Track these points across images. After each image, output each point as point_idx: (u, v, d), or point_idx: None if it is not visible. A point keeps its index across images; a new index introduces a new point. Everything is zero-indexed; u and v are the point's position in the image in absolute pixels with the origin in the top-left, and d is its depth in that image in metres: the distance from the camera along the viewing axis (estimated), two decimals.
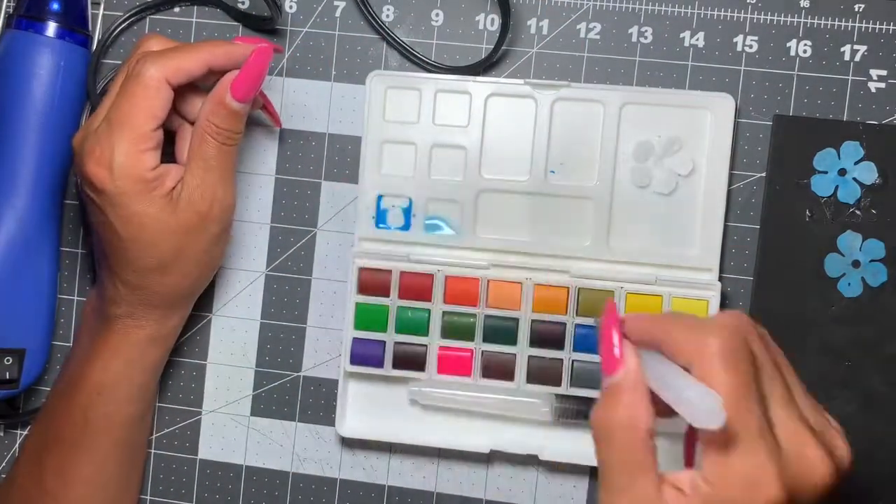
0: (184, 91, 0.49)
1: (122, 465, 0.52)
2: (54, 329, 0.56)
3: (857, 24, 0.51)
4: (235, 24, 0.55)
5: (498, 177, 0.53)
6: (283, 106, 0.55)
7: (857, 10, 0.51)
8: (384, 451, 0.55)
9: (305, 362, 0.55)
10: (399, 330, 0.52)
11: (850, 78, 0.51)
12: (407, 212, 0.53)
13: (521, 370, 0.52)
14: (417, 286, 0.52)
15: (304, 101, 0.55)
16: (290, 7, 0.55)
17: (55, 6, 0.52)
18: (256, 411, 0.56)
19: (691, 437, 0.39)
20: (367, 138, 0.53)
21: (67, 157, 0.53)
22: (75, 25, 0.53)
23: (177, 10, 0.56)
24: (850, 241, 0.51)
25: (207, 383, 0.56)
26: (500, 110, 0.52)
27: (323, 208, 0.55)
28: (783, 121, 0.51)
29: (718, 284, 0.51)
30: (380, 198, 0.53)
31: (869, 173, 0.50)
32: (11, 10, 0.53)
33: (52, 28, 0.52)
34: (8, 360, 0.53)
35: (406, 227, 0.53)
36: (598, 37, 0.53)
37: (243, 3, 0.56)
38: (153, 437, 0.56)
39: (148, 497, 0.57)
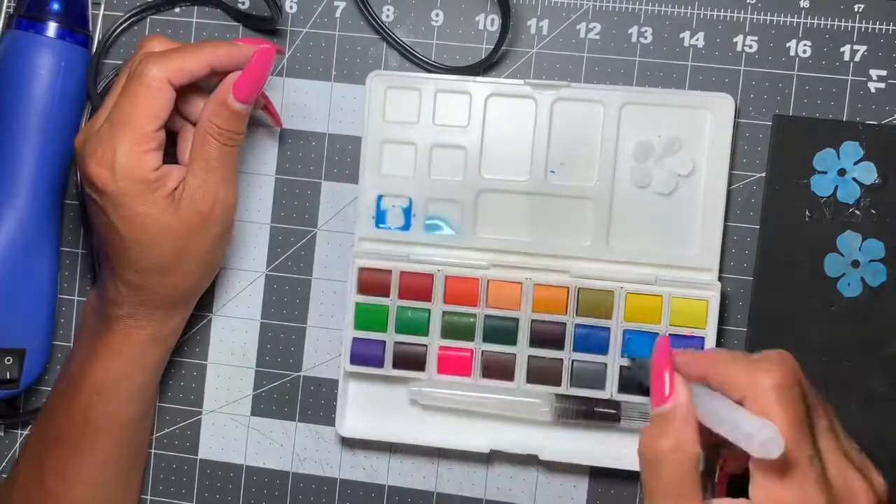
0: (186, 92, 0.49)
1: (122, 465, 0.52)
2: (54, 329, 0.56)
3: (856, 24, 0.51)
4: (236, 24, 0.56)
5: (498, 177, 0.53)
6: (283, 106, 0.55)
7: (856, 10, 0.51)
8: (384, 451, 0.55)
9: (305, 362, 0.55)
10: (399, 330, 0.53)
11: (849, 78, 0.51)
12: (407, 212, 0.53)
13: (521, 370, 0.52)
14: (417, 286, 0.52)
15: (304, 101, 0.55)
16: (291, 7, 0.55)
17: (55, 6, 0.52)
18: (256, 411, 0.56)
19: (724, 469, 0.42)
20: (367, 138, 0.53)
21: (68, 157, 0.53)
22: (76, 25, 0.53)
23: (177, 10, 0.56)
24: (849, 241, 0.51)
25: (207, 383, 0.56)
26: (500, 110, 0.53)
27: (323, 208, 0.55)
28: (783, 121, 0.51)
29: (718, 284, 0.51)
30: (380, 198, 0.53)
31: (868, 173, 0.51)
32: (12, 11, 0.53)
33: (52, 28, 0.52)
34: (8, 360, 0.53)
35: (406, 227, 0.53)
36: (597, 37, 0.53)
37: (244, 3, 0.56)
38: (153, 437, 0.57)
39: (148, 497, 0.57)
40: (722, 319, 0.52)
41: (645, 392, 0.50)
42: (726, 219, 0.52)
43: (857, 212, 0.51)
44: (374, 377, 0.54)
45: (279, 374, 0.56)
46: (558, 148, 0.52)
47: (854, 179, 0.51)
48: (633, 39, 0.53)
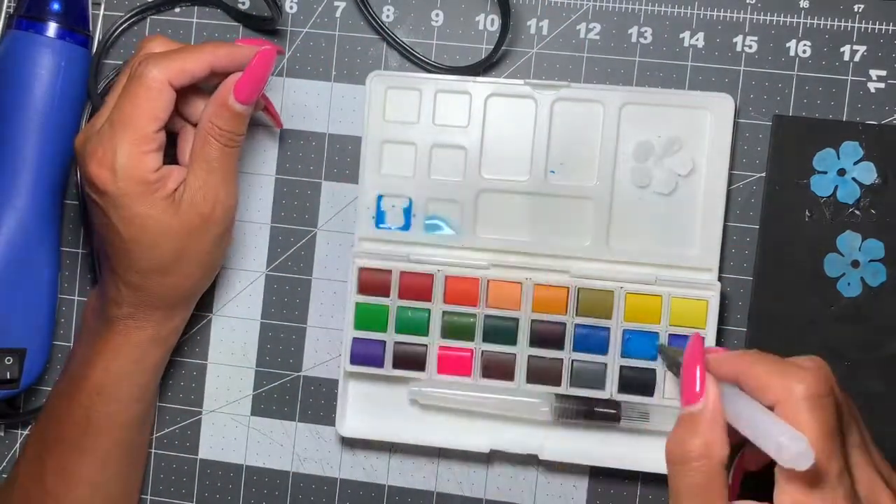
0: (186, 93, 0.48)
1: (123, 465, 0.52)
2: (55, 329, 0.56)
3: (856, 25, 0.51)
4: (236, 24, 0.56)
5: (498, 177, 0.53)
6: (283, 106, 0.55)
7: (856, 10, 0.51)
8: (384, 451, 0.55)
9: (305, 362, 0.55)
10: (399, 330, 0.53)
11: (849, 78, 0.51)
12: (407, 212, 0.53)
13: (521, 370, 0.52)
14: (417, 286, 0.52)
15: (304, 102, 0.55)
16: (291, 7, 0.55)
17: (56, 6, 0.52)
18: (257, 411, 0.56)
19: (739, 470, 0.41)
20: (367, 138, 0.53)
21: (68, 157, 0.53)
22: (76, 26, 0.53)
23: (177, 10, 0.56)
24: (849, 241, 0.51)
25: (208, 383, 0.56)
26: (500, 110, 0.53)
27: (323, 208, 0.55)
28: (783, 121, 0.51)
29: (718, 284, 0.51)
30: (380, 198, 0.53)
31: (868, 173, 0.51)
32: (12, 11, 0.53)
33: (52, 28, 0.52)
34: (8, 360, 0.53)
35: (406, 227, 0.53)
36: (597, 37, 0.53)
37: (244, 3, 0.56)
38: (153, 437, 0.57)
39: (148, 497, 0.57)
40: (722, 319, 0.52)
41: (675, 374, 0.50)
42: (726, 219, 0.52)
43: (857, 212, 0.51)
44: (374, 377, 0.54)
45: (279, 374, 0.56)
46: (558, 148, 0.52)
47: (854, 179, 0.51)
48: (633, 39, 0.53)
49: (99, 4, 0.56)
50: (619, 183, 0.52)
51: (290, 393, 0.56)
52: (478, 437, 0.53)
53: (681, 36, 0.53)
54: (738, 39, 0.52)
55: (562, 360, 0.52)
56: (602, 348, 0.51)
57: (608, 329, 0.51)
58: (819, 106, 0.52)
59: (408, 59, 0.54)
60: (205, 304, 0.55)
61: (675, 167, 0.51)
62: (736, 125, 0.52)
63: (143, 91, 0.46)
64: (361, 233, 0.53)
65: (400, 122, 0.53)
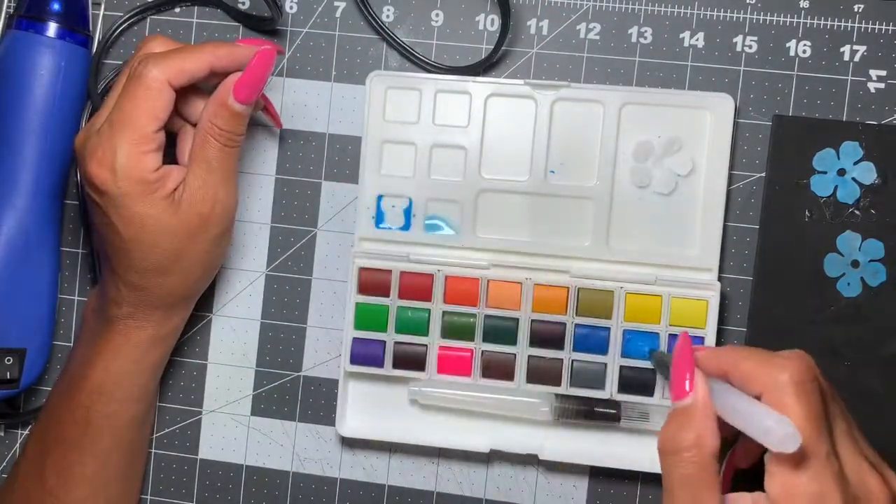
0: (186, 93, 0.49)
1: (123, 465, 0.52)
2: (55, 329, 0.56)
3: (856, 25, 0.51)
4: (236, 24, 0.56)
5: (498, 177, 0.53)
6: (283, 106, 0.55)
7: (856, 10, 0.51)
8: (384, 451, 0.55)
9: (305, 362, 0.55)
10: (399, 330, 0.53)
11: (849, 78, 0.51)
12: (407, 212, 0.53)
13: (520, 370, 0.52)
14: (417, 286, 0.52)
15: (304, 102, 0.55)
16: (291, 7, 0.55)
17: (56, 6, 0.52)
18: (257, 411, 0.56)
19: (730, 468, 0.43)
20: (367, 138, 0.53)
21: (68, 157, 0.53)
22: (76, 26, 0.53)
23: (177, 10, 0.56)
24: (849, 241, 0.51)
25: (208, 383, 0.56)
26: (500, 110, 0.53)
27: (323, 208, 0.55)
28: (783, 121, 0.51)
29: (718, 284, 0.51)
30: (380, 198, 0.53)
31: (868, 173, 0.51)
32: (12, 11, 0.53)
33: (52, 28, 0.52)
34: (8, 360, 0.53)
35: (406, 227, 0.53)
36: (597, 37, 0.53)
37: (244, 3, 0.56)
38: (153, 437, 0.57)
39: (148, 497, 0.57)
40: (722, 319, 0.52)
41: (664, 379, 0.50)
42: (726, 219, 0.52)
43: (857, 212, 0.51)
44: (374, 377, 0.54)
45: (279, 374, 0.56)
46: (558, 148, 0.52)
47: (854, 179, 0.51)
48: (633, 39, 0.53)
49: (99, 4, 0.56)
50: (618, 183, 0.52)
51: (290, 393, 0.56)
52: (478, 437, 0.53)
53: (681, 36, 0.53)
54: (738, 39, 0.52)
55: (562, 360, 0.52)
56: (602, 348, 0.51)
57: (608, 329, 0.51)
58: (819, 106, 0.52)
59: (408, 59, 0.54)
60: (205, 304, 0.55)
61: (675, 167, 0.51)
62: (736, 125, 0.52)
63: (143, 91, 0.46)
64: (361, 233, 0.53)
65: (400, 122, 0.53)
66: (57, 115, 0.52)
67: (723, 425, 0.38)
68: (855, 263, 0.51)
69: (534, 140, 0.52)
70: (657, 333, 0.51)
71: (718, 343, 0.51)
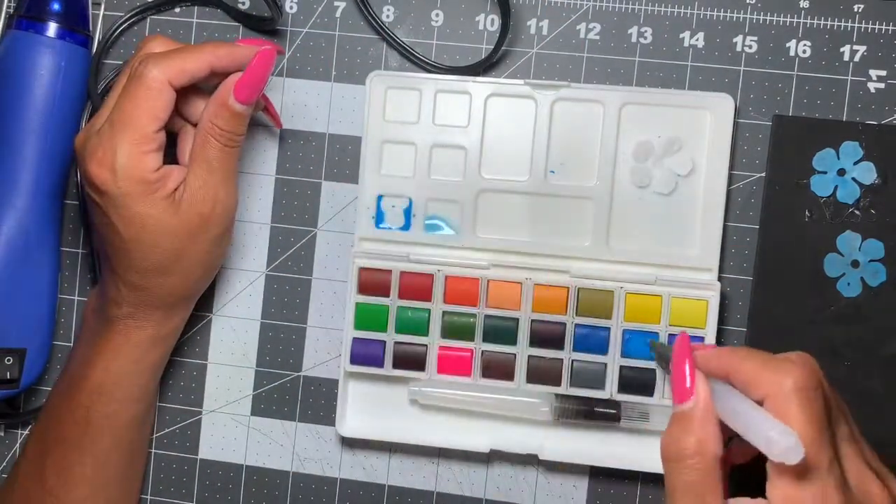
0: (186, 93, 0.49)
1: (123, 465, 0.52)
2: (55, 329, 0.56)
3: (856, 25, 0.51)
4: (236, 24, 0.56)
5: (498, 177, 0.53)
6: (283, 106, 0.55)
7: (856, 10, 0.51)
8: (384, 451, 0.55)
9: (305, 362, 0.55)
10: (399, 330, 0.53)
11: (849, 78, 0.51)
12: (407, 212, 0.53)
13: (520, 370, 0.52)
14: (417, 286, 0.52)
15: (304, 102, 0.55)
16: (291, 7, 0.55)
17: (56, 6, 0.52)
18: (257, 411, 0.56)
19: (729, 459, 0.42)
20: (367, 138, 0.53)
21: (68, 157, 0.53)
22: (76, 26, 0.53)
23: (177, 10, 0.56)
24: (849, 241, 0.51)
25: (208, 383, 0.56)
26: (500, 110, 0.53)
27: (323, 208, 0.55)
28: (783, 121, 0.51)
29: (718, 284, 0.51)
30: (380, 198, 0.53)
31: (868, 173, 0.51)
32: (12, 11, 0.53)
33: (52, 28, 0.52)
34: (8, 360, 0.53)
35: (406, 227, 0.53)
36: (597, 37, 0.53)
37: (244, 3, 0.56)
38: (153, 437, 0.57)
39: (148, 497, 0.57)
40: (722, 319, 0.52)
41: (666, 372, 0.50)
42: (726, 219, 0.52)
43: (857, 212, 0.51)
44: (374, 377, 0.54)
45: (279, 374, 0.56)
46: (558, 148, 0.52)
47: (854, 179, 0.51)
48: (633, 39, 0.53)
49: (99, 4, 0.56)
50: (618, 183, 0.52)
51: (290, 393, 0.56)
52: (478, 437, 0.53)
53: (681, 36, 0.53)
54: (738, 39, 0.52)
55: (562, 360, 0.52)
56: (602, 348, 0.51)
57: (608, 329, 0.51)
58: (819, 106, 0.52)
59: (408, 59, 0.54)
60: (205, 304, 0.55)
61: (675, 167, 0.51)
62: (736, 125, 0.52)
63: (143, 91, 0.46)
64: (361, 233, 0.53)
65: (400, 122, 0.53)
66: (57, 115, 0.52)
67: (723, 425, 0.37)
68: (855, 263, 0.51)
69: (534, 140, 0.52)
70: (657, 333, 0.51)
71: (718, 343, 0.51)
